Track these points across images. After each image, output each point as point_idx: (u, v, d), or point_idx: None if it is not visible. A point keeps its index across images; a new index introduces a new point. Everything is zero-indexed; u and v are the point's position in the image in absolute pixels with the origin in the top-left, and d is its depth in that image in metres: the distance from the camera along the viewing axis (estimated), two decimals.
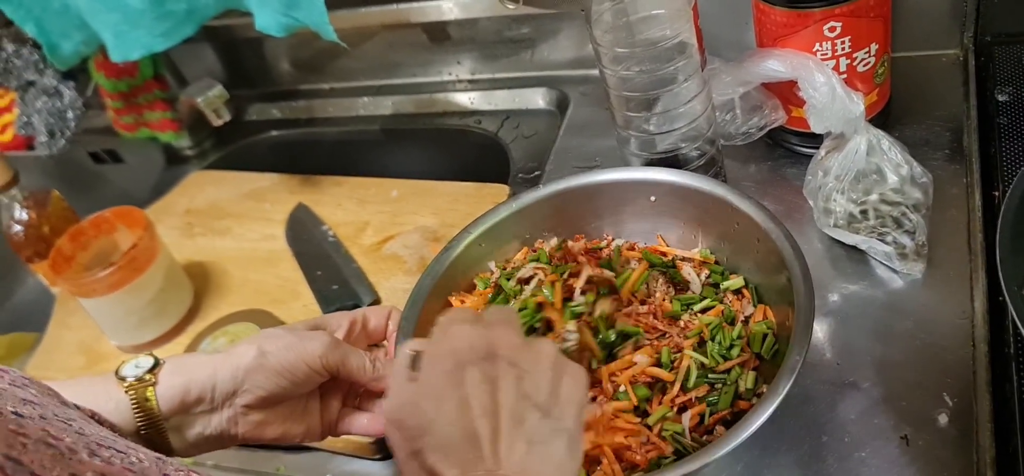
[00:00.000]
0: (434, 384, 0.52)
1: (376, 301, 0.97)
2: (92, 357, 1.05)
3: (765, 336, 0.69)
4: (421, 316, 0.74)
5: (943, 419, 0.66)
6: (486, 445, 0.49)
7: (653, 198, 0.79)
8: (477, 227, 0.81)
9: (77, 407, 0.52)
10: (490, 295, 0.77)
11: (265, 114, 1.40)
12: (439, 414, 0.51)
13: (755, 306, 0.72)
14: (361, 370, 0.67)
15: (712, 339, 0.70)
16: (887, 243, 0.77)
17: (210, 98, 1.12)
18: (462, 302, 0.79)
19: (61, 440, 0.39)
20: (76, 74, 1.31)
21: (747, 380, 0.67)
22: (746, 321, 0.72)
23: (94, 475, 0.38)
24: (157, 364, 0.63)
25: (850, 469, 0.65)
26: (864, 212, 0.79)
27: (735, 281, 0.74)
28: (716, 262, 0.77)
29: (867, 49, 0.81)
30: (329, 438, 0.72)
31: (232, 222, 1.19)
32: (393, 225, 1.07)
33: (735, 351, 0.69)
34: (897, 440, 0.66)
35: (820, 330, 0.75)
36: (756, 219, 0.71)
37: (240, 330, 0.98)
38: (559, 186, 0.81)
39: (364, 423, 0.71)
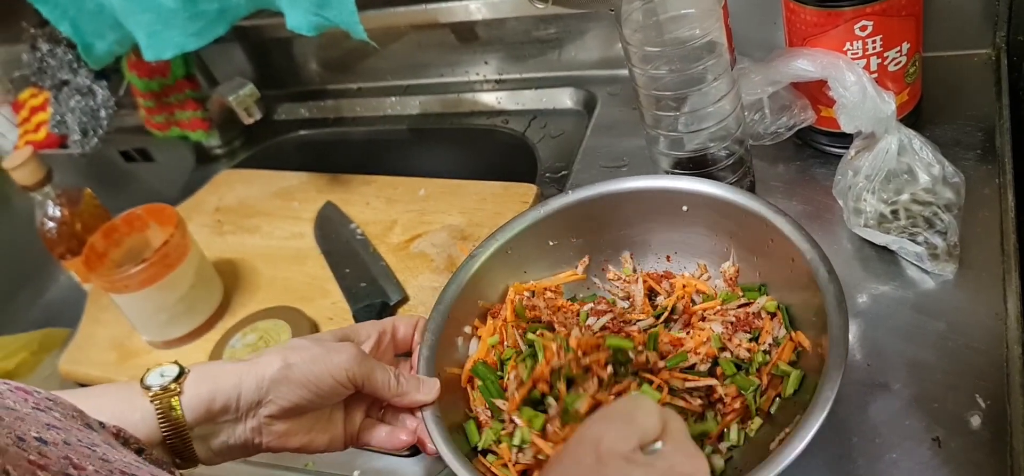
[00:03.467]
0: (565, 467, 0.50)
1: (404, 298, 0.97)
2: (123, 353, 1.06)
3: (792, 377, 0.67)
4: (445, 325, 0.73)
5: (976, 421, 0.65)
6: None
7: (685, 208, 0.77)
8: (504, 234, 0.79)
9: (102, 425, 0.53)
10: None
11: (294, 113, 1.42)
12: None
13: (786, 330, 0.70)
14: (386, 385, 0.67)
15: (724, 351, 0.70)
16: (918, 243, 0.76)
17: (241, 97, 1.13)
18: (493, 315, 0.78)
19: (83, 470, 0.39)
20: (109, 74, 1.34)
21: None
22: (775, 343, 0.71)
23: None
24: (182, 373, 0.63)
25: (881, 471, 0.65)
26: (895, 212, 0.79)
27: (769, 302, 0.73)
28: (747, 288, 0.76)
29: (898, 48, 0.80)
30: None
31: (261, 220, 1.20)
32: (421, 224, 1.08)
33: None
34: (929, 442, 0.65)
35: (850, 332, 0.74)
36: (791, 238, 0.69)
37: (269, 327, 0.99)
38: (588, 192, 0.80)
39: (383, 436, 0.70)
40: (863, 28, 0.78)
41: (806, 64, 0.80)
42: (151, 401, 0.61)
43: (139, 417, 0.60)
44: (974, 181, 0.80)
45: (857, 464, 0.66)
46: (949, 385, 0.68)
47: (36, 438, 0.39)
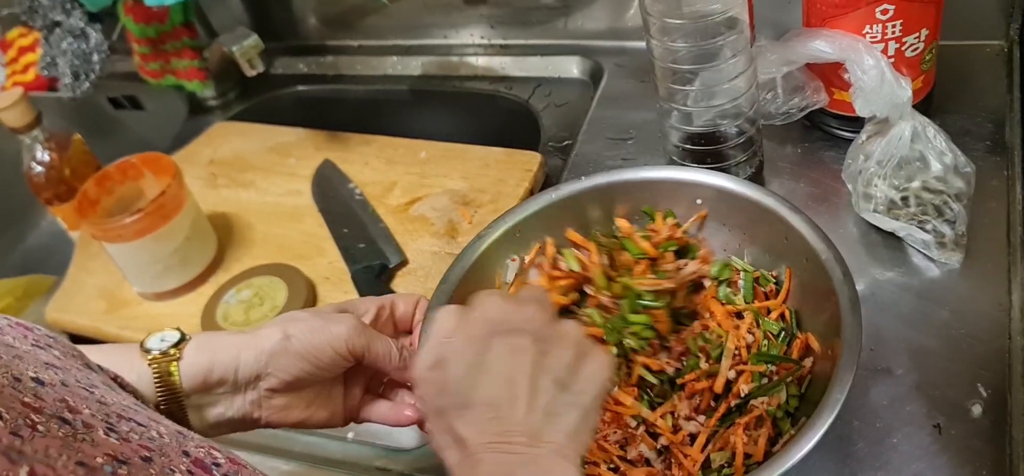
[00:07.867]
0: (463, 348, 0.55)
1: (404, 261, 0.96)
2: (113, 302, 1.05)
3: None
4: (449, 303, 0.72)
5: (977, 410, 0.66)
6: (504, 409, 0.52)
7: (699, 201, 0.76)
8: (514, 215, 0.77)
9: (100, 368, 0.52)
10: None
11: (292, 68, 1.39)
12: (464, 376, 0.54)
13: (795, 333, 0.69)
14: (387, 357, 0.66)
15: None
16: (927, 231, 0.76)
17: (245, 48, 1.10)
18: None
19: (79, 413, 0.38)
20: (103, 17, 1.30)
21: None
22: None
23: (106, 457, 0.36)
24: (183, 339, 0.62)
25: (880, 454, 0.65)
26: (905, 199, 0.79)
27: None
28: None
29: (917, 34, 0.80)
30: None
31: (256, 175, 1.18)
32: (421, 187, 1.06)
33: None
34: (929, 428, 0.66)
35: None
36: (807, 237, 0.68)
37: (264, 283, 0.97)
38: (602, 179, 0.78)
39: (384, 411, 0.70)
40: (884, 12, 0.77)
41: (824, 45, 0.79)
42: (149, 364, 0.60)
43: (135, 378, 0.59)
44: (983, 172, 0.80)
45: (858, 447, 0.66)
46: (951, 373, 0.69)
47: (33, 378, 0.38)
